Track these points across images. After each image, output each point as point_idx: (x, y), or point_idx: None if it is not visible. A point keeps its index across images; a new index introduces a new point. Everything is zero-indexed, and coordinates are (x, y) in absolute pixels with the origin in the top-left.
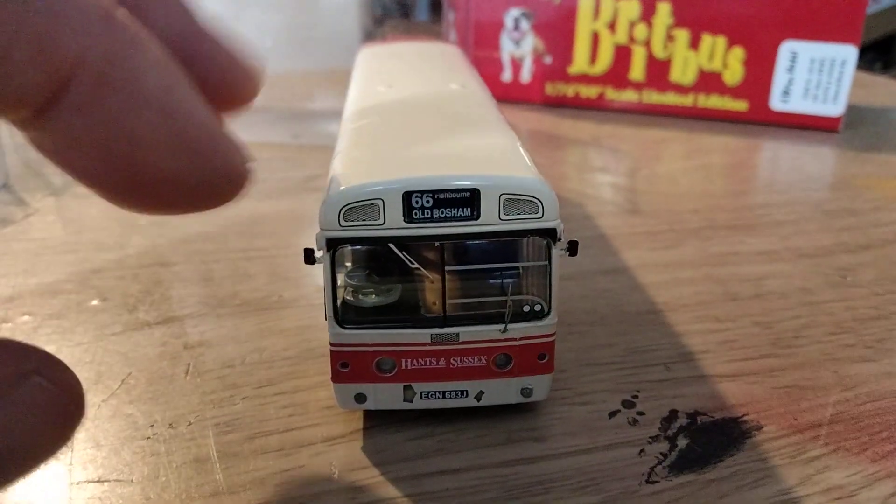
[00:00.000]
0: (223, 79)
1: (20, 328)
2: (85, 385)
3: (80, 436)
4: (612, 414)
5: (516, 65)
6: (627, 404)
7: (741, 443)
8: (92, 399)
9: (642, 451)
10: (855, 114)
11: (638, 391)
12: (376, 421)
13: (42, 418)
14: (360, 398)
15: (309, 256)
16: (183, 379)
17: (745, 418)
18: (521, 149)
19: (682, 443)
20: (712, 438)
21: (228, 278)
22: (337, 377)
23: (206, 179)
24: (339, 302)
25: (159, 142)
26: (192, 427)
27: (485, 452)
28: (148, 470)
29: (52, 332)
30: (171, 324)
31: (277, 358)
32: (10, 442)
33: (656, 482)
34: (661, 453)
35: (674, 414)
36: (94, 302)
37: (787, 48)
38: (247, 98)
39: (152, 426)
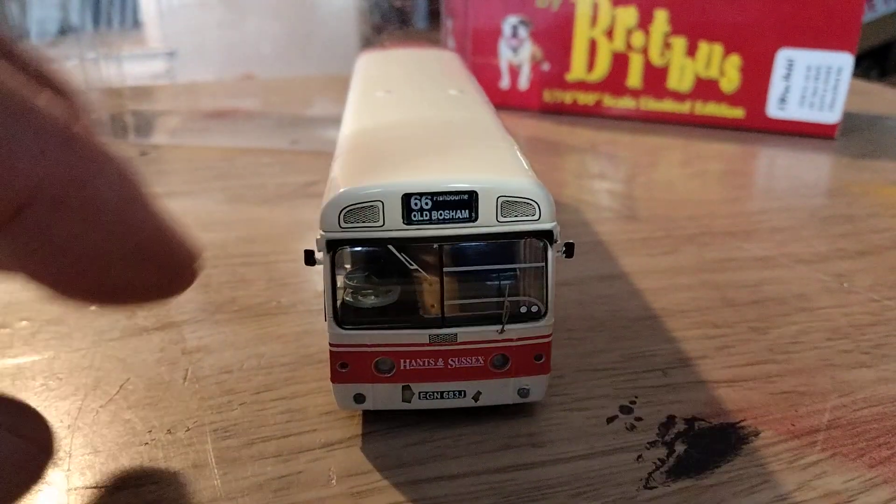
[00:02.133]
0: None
1: (18, 333)
2: (83, 391)
3: (78, 441)
4: (610, 419)
5: (514, 72)
6: (625, 410)
7: (739, 448)
8: (90, 405)
9: (640, 456)
10: (851, 121)
11: (636, 397)
12: (374, 426)
13: (7, 469)
14: (359, 398)
15: (309, 258)
16: (181, 384)
17: (743, 424)
18: (518, 152)
19: (679, 448)
20: (710, 444)
21: (226, 284)
22: (336, 377)
23: (160, 282)
24: (338, 303)
25: (114, 254)
26: (190, 433)
27: (482, 458)
28: (146, 476)
29: (51, 337)
30: (169, 329)
31: (275, 363)
32: None
33: (654, 488)
34: (658, 459)
35: (671, 419)
36: (93, 307)
37: (783, 56)
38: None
39: (150, 432)
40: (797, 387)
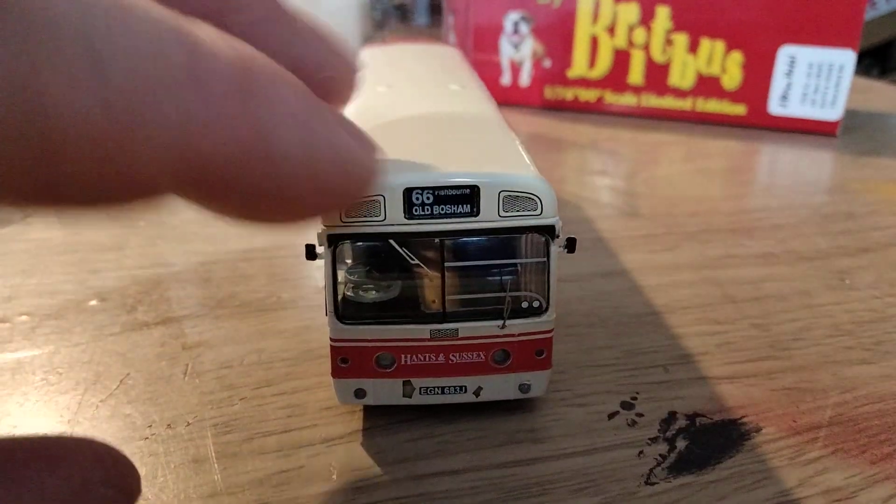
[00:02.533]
0: (331, 81)
1: (18, 328)
2: (83, 385)
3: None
4: (612, 415)
5: (515, 68)
6: (626, 406)
7: (740, 444)
8: (90, 399)
9: (641, 452)
10: (853, 118)
11: (637, 393)
12: (375, 422)
13: None
14: (360, 393)
15: (310, 252)
16: (181, 379)
17: (744, 420)
18: (520, 147)
19: (681, 444)
20: (711, 440)
21: (227, 279)
22: (337, 372)
23: (343, 192)
24: (339, 298)
25: (303, 188)
26: (190, 428)
27: (484, 454)
28: (146, 470)
29: (51, 332)
30: (169, 324)
31: (276, 359)
32: None
33: (655, 484)
34: (660, 455)
35: (673, 416)
36: (93, 302)
37: (785, 53)
38: (348, 93)
39: (150, 426)
40: (798, 383)
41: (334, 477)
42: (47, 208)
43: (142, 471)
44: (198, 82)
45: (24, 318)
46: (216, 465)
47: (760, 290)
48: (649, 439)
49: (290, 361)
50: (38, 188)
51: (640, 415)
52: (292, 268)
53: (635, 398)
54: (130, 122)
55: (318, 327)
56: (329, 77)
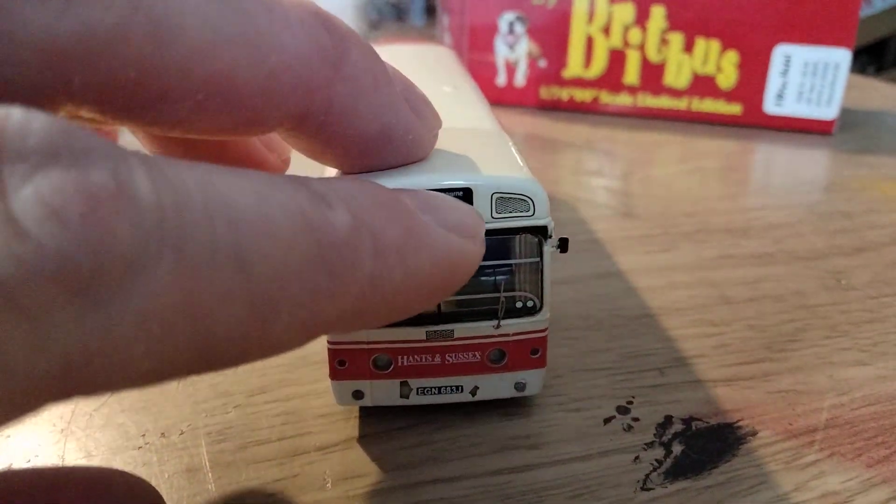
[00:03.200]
0: (416, 142)
1: None
2: None
3: (72, 445)
4: (607, 420)
5: (511, 69)
6: (622, 410)
7: (736, 448)
8: (83, 408)
9: (637, 457)
10: (849, 117)
11: (633, 397)
12: (370, 429)
13: None
14: (358, 395)
15: None
16: (175, 387)
17: (740, 423)
18: (513, 149)
19: (677, 449)
20: (707, 444)
21: None
22: (335, 374)
23: (452, 286)
24: None
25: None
26: (184, 436)
27: (479, 461)
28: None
29: None
30: None
31: (270, 365)
32: None
33: (651, 489)
34: (656, 460)
35: (669, 420)
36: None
37: (780, 52)
38: (429, 149)
39: (144, 435)
40: (795, 385)
41: (329, 485)
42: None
43: None
44: (323, 260)
45: None
46: (210, 475)
47: (756, 291)
48: (645, 444)
49: (284, 368)
50: (187, 373)
51: (635, 419)
52: None
53: (631, 402)
54: (270, 313)
55: None
56: (413, 139)
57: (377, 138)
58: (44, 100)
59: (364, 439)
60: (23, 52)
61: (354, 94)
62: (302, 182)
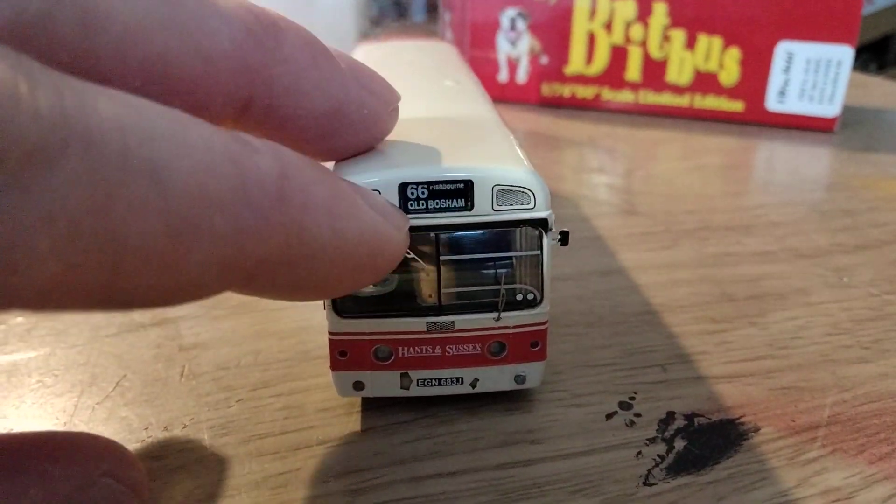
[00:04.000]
0: (371, 117)
1: (14, 330)
2: (79, 387)
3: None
4: (609, 416)
5: (512, 65)
6: (624, 406)
7: (739, 444)
8: (86, 402)
9: (639, 453)
10: (851, 114)
11: (635, 393)
12: (372, 423)
13: None
14: (359, 386)
15: None
16: (178, 381)
17: (743, 420)
18: (514, 142)
19: (679, 445)
20: (710, 440)
21: None
22: (336, 365)
23: (374, 268)
24: None
25: (335, 264)
26: (186, 430)
27: (481, 455)
28: None
29: (46, 333)
30: (165, 325)
31: (273, 360)
32: None
33: (654, 484)
34: (658, 455)
35: (671, 416)
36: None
37: (783, 49)
38: (388, 127)
39: (147, 429)
40: (797, 382)
41: (331, 479)
42: (107, 310)
43: None
44: (246, 196)
45: (19, 319)
46: (213, 468)
47: (759, 288)
48: (647, 440)
49: (287, 363)
50: (101, 297)
51: (638, 415)
52: None
53: (633, 398)
54: (188, 237)
55: (316, 328)
56: (369, 114)
57: (330, 116)
58: None
59: (366, 433)
60: None
61: (295, 73)
62: (229, 130)
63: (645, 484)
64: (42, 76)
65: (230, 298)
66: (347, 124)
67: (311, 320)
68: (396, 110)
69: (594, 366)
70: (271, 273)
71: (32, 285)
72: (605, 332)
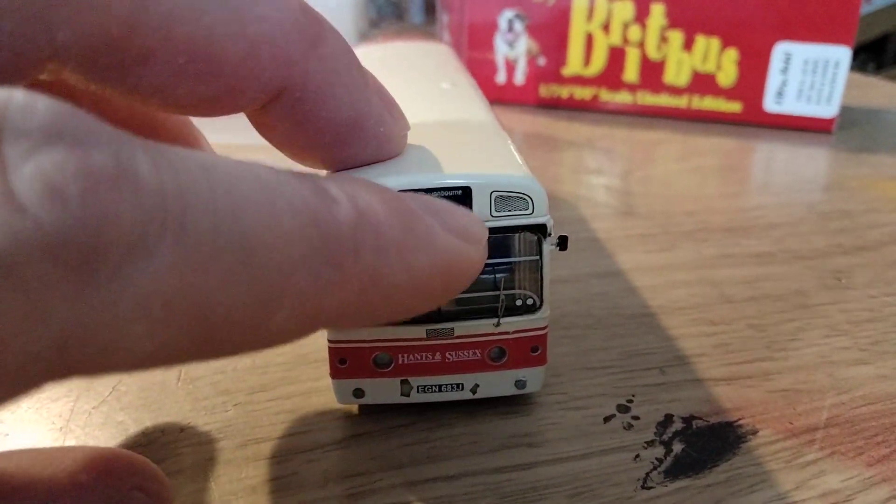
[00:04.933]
0: (386, 135)
1: None
2: (75, 392)
3: (71, 444)
4: (608, 419)
5: (510, 66)
6: (622, 409)
7: (737, 447)
8: (82, 406)
9: (637, 456)
10: (848, 115)
11: (633, 395)
12: (370, 427)
13: None
14: (359, 393)
15: None
16: (174, 385)
17: (741, 422)
18: (511, 147)
19: (677, 447)
20: (708, 443)
21: None
22: (336, 373)
23: (453, 288)
24: None
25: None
26: (183, 434)
27: (479, 459)
28: None
29: None
30: None
31: (270, 363)
32: None
33: (652, 488)
34: (656, 458)
35: (669, 418)
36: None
37: (780, 49)
38: (401, 146)
39: (144, 433)
40: (795, 384)
41: (329, 483)
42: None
43: None
44: (326, 253)
45: None
46: (210, 473)
47: (757, 290)
48: (645, 443)
49: (284, 366)
50: (190, 359)
51: (636, 418)
52: None
53: (631, 401)
54: (273, 302)
55: None
56: (384, 132)
57: (349, 125)
58: (28, 56)
59: (364, 437)
60: (9, 1)
61: (330, 74)
62: (307, 176)
63: (643, 487)
64: (140, 155)
65: None
66: (362, 137)
67: None
68: (405, 138)
69: (592, 368)
70: (349, 317)
71: (128, 363)
72: (603, 334)
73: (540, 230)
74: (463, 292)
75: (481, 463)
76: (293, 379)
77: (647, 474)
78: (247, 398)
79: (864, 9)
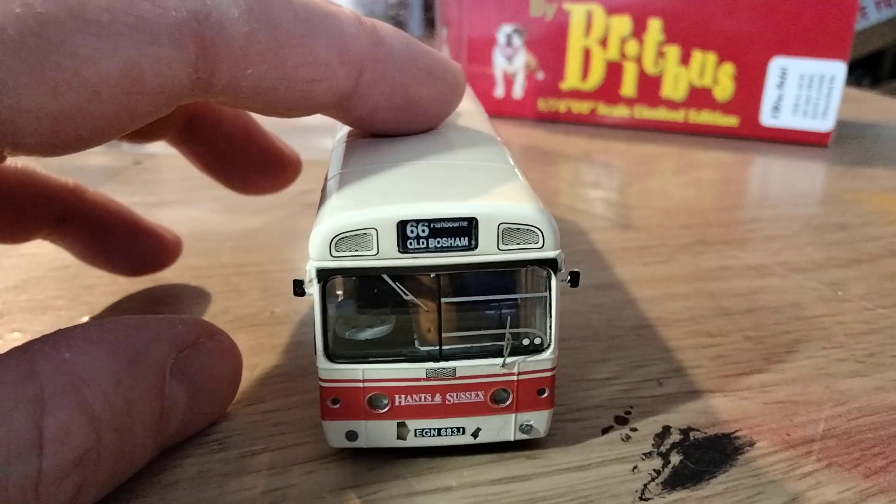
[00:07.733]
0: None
1: (10, 345)
2: None
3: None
4: (606, 430)
5: (509, 81)
6: (620, 420)
7: (734, 459)
8: None
9: (635, 467)
10: (844, 129)
11: (631, 407)
12: None
13: (224, 360)
14: (352, 436)
15: (298, 288)
16: None
17: (738, 434)
18: (519, 175)
19: (675, 459)
20: (705, 454)
21: (220, 294)
22: (327, 414)
23: (448, 96)
24: (329, 335)
25: (418, 77)
26: (182, 444)
27: (477, 470)
28: (137, 487)
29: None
30: None
31: (269, 374)
32: (210, 377)
33: (650, 499)
34: (654, 470)
35: (667, 430)
36: (85, 318)
37: (776, 64)
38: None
39: None
40: (792, 396)
41: (326, 495)
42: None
43: (134, 488)
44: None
45: (16, 334)
46: (208, 484)
47: (754, 302)
48: (643, 454)
49: (283, 377)
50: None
51: (634, 429)
52: (286, 282)
53: (629, 412)
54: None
55: (312, 343)
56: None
57: (404, 107)
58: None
59: (362, 449)
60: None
61: (389, 67)
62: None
63: (641, 499)
64: None
65: (227, 313)
66: (416, 114)
67: (308, 335)
68: (461, 95)
69: (590, 380)
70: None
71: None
72: (600, 346)
73: (550, 265)
74: (466, 329)
75: (480, 474)
76: (292, 390)
77: (645, 486)
78: (245, 409)
79: (860, 24)
